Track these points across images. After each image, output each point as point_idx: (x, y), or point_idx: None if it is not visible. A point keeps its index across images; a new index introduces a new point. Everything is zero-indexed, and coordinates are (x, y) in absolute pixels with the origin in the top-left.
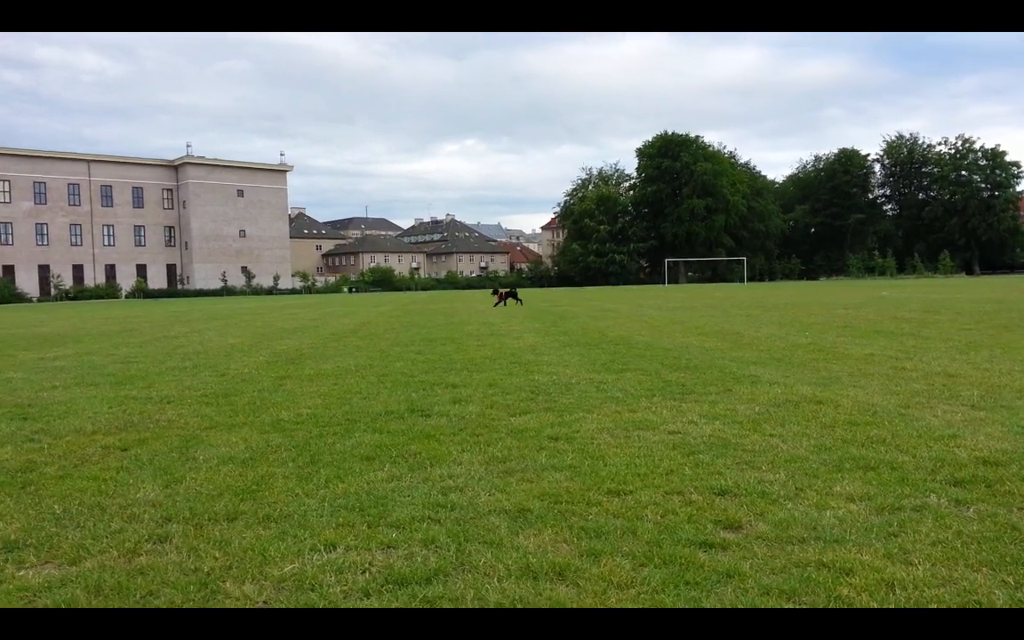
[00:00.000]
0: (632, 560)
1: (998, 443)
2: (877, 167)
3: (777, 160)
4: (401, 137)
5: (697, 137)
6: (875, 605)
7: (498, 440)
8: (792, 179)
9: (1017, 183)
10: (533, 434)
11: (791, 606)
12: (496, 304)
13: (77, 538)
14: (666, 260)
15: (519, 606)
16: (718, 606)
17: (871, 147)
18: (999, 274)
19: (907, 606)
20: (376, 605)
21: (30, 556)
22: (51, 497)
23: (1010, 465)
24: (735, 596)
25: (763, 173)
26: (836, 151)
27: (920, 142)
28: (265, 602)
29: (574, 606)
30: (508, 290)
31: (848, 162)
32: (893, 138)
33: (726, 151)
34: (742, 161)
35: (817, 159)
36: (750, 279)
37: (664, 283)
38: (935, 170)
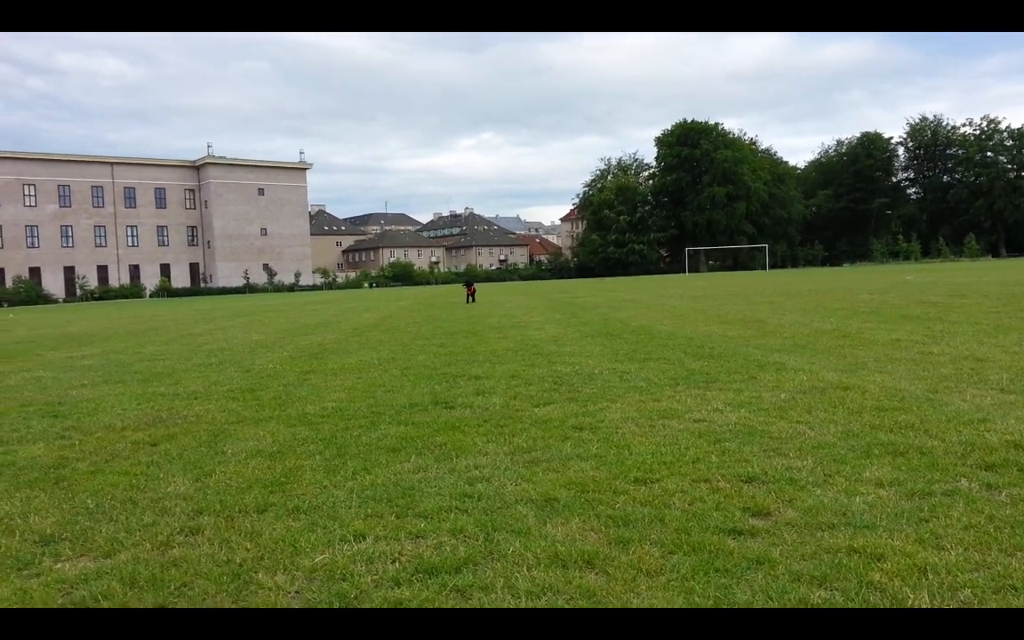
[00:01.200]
0: (661, 548)
1: None
2: (900, 150)
3: (798, 145)
4: (418, 132)
5: (717, 124)
6: (908, 590)
7: (523, 430)
8: (814, 164)
9: None
10: (557, 424)
11: (823, 592)
12: (468, 300)
13: (111, 531)
14: (687, 249)
15: (549, 594)
16: (748, 593)
17: (894, 130)
18: None
19: (940, 591)
20: (407, 594)
21: (66, 549)
22: (84, 492)
23: None
24: (765, 582)
25: (784, 159)
26: (859, 135)
27: (944, 124)
28: (297, 592)
29: (604, 593)
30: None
31: (871, 146)
32: (916, 120)
33: (746, 137)
34: (763, 147)
35: (839, 143)
36: (772, 266)
37: (685, 272)
38: (960, 152)
